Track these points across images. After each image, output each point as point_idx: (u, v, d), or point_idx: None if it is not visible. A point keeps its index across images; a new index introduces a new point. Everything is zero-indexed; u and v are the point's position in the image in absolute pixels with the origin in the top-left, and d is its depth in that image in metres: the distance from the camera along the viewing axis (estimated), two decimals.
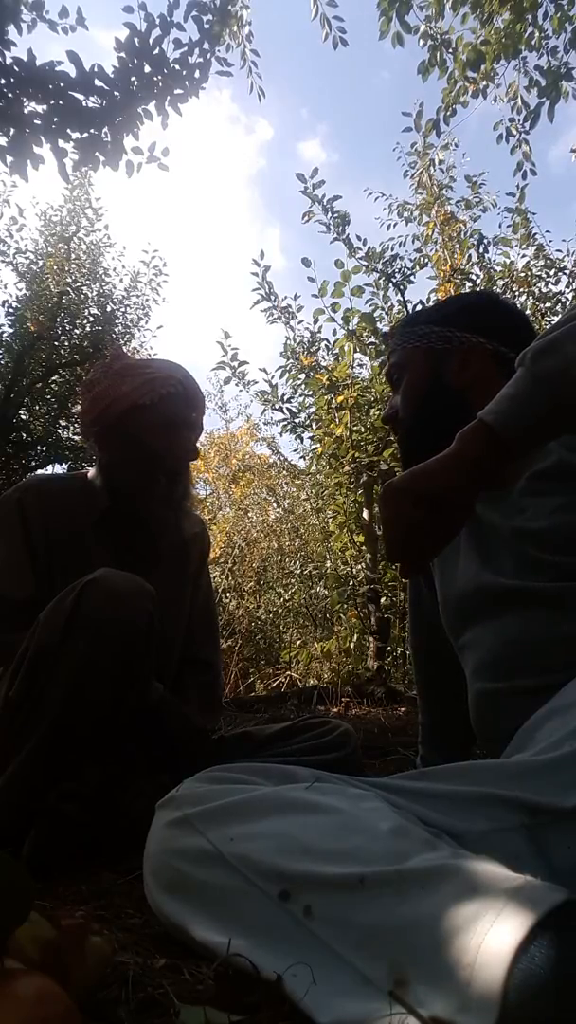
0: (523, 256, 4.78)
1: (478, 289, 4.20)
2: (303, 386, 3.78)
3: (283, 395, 3.90)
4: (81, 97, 2.90)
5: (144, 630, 0.99)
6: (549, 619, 0.84)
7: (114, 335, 8.34)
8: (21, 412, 8.06)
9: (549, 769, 0.62)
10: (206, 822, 0.64)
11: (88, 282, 8.47)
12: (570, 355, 0.69)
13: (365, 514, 3.49)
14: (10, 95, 2.81)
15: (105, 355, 7.84)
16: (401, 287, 3.81)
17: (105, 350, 7.99)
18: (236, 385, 3.99)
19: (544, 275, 4.73)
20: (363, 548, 3.62)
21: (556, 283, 4.75)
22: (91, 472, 1.33)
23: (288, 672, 4.19)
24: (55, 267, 8.17)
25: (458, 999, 0.43)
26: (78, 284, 8.36)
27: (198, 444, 1.35)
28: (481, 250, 4.45)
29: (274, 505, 6.44)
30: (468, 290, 3.96)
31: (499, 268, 4.62)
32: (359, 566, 3.63)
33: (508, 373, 0.75)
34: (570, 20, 3.44)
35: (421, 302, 3.80)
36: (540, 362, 0.70)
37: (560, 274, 4.77)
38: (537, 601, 0.86)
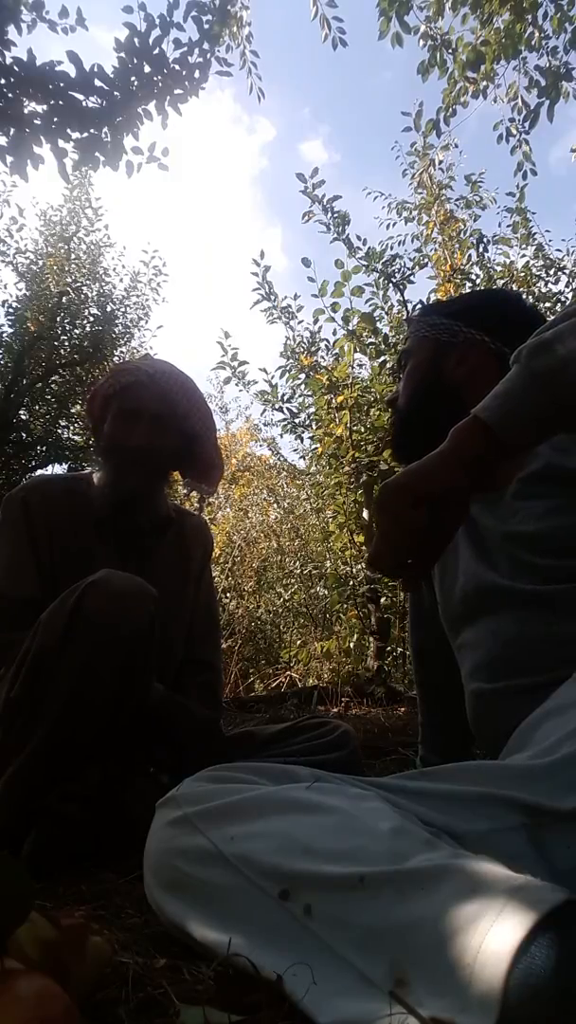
0: (523, 256, 4.79)
1: (489, 287, 4.20)
2: (303, 386, 3.78)
3: (283, 395, 3.90)
4: (81, 97, 2.89)
5: (145, 632, 0.99)
6: (542, 620, 0.85)
7: (114, 335, 8.34)
8: (21, 412, 8.06)
9: (549, 772, 0.62)
10: (206, 821, 0.64)
11: (88, 282, 8.47)
12: (565, 352, 0.69)
13: (365, 514, 3.49)
14: (10, 95, 2.81)
15: (106, 355, 7.86)
16: (401, 287, 3.81)
17: (105, 350, 8.00)
18: (236, 385, 3.99)
19: (544, 275, 4.74)
20: (363, 548, 3.62)
21: (556, 283, 4.76)
22: (96, 473, 1.33)
23: (288, 672, 4.19)
24: (55, 267, 8.17)
25: (458, 999, 0.43)
26: (78, 284, 8.36)
27: (173, 440, 1.28)
28: (481, 250, 4.46)
29: (274, 505, 6.44)
30: (468, 290, 3.96)
31: (499, 268, 4.63)
32: (359, 566, 3.63)
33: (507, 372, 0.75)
34: (570, 20, 3.43)
35: (421, 302, 3.80)
36: (535, 359, 0.70)
37: (560, 273, 4.78)
38: (531, 603, 0.86)
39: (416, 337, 1.09)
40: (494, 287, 4.29)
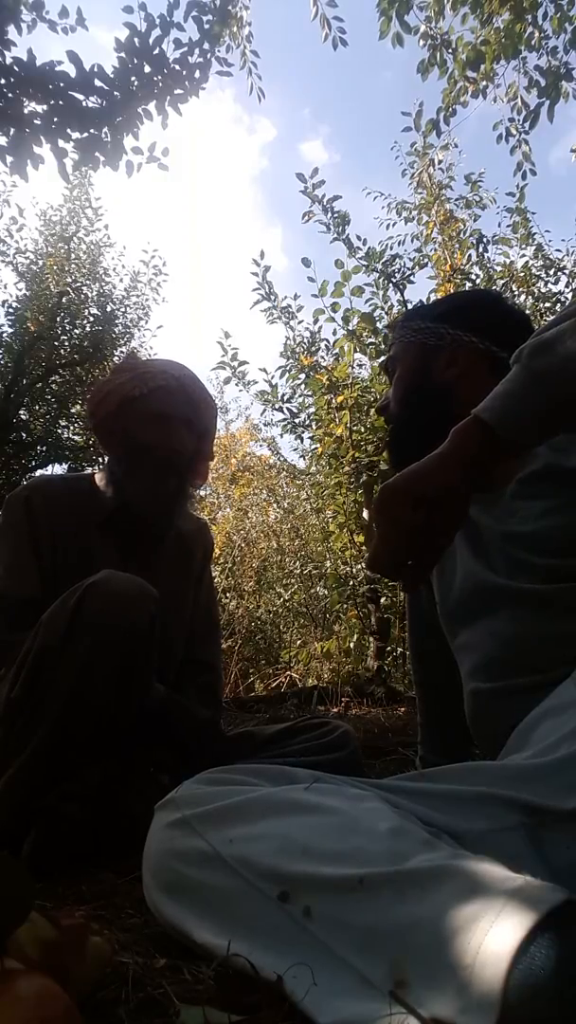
0: (522, 256, 4.79)
1: (487, 287, 4.21)
2: (303, 386, 3.78)
3: (283, 395, 3.90)
4: (81, 97, 2.89)
5: (145, 633, 0.99)
6: (541, 620, 0.85)
7: (114, 335, 8.35)
8: (21, 412, 8.06)
9: (548, 772, 0.62)
10: (205, 823, 0.64)
11: (88, 282, 8.48)
12: (565, 352, 0.69)
13: (365, 514, 3.49)
14: (10, 95, 2.81)
15: (106, 355, 7.87)
16: (401, 287, 3.81)
17: (105, 350, 8.01)
18: (236, 385, 3.99)
19: (543, 275, 4.74)
20: (363, 548, 3.62)
21: (555, 283, 4.77)
22: (98, 473, 1.33)
23: (288, 672, 4.19)
24: (55, 267, 8.18)
25: (458, 999, 0.43)
26: (78, 284, 8.37)
27: (200, 444, 1.33)
28: (481, 250, 4.46)
29: (274, 505, 6.44)
30: (468, 290, 3.95)
31: (499, 268, 4.63)
32: (359, 566, 3.63)
33: (499, 373, 0.75)
34: (570, 20, 3.43)
35: (421, 302, 3.80)
36: (536, 359, 0.70)
37: (559, 274, 4.78)
38: (529, 602, 0.86)
39: (402, 342, 1.09)
40: (491, 287, 4.29)
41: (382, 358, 3.51)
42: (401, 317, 1.16)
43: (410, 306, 3.73)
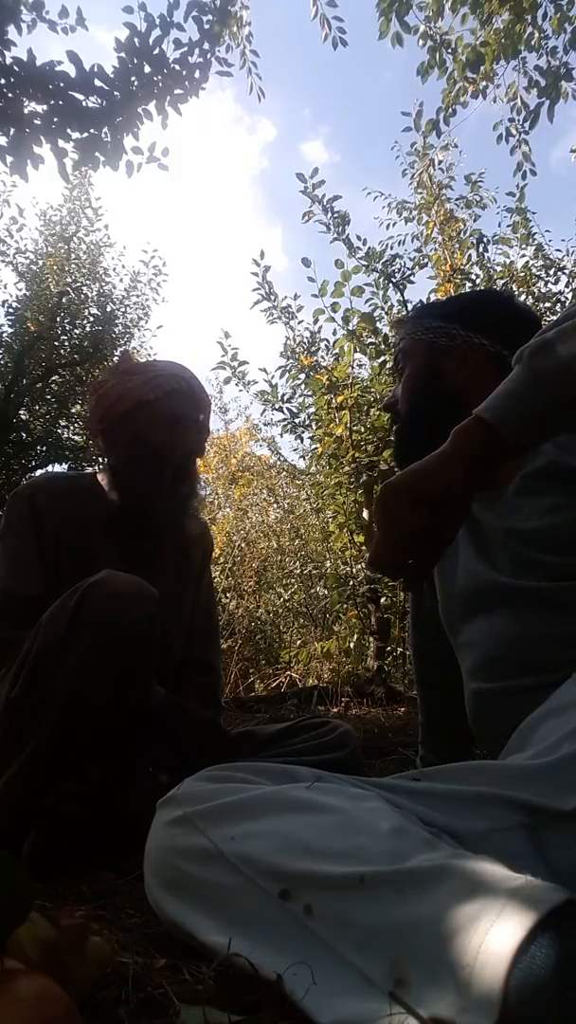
0: (523, 256, 4.79)
1: (488, 287, 4.20)
2: (303, 386, 3.78)
3: (283, 395, 3.89)
4: (81, 97, 2.89)
5: (145, 633, 0.99)
6: (543, 619, 0.84)
7: (114, 335, 8.34)
8: (21, 412, 8.06)
9: (549, 772, 0.62)
10: (207, 821, 0.64)
11: (88, 282, 8.47)
12: (567, 352, 0.69)
13: (365, 514, 3.49)
14: (10, 95, 2.81)
15: (106, 355, 7.87)
16: (401, 287, 3.81)
17: (105, 350, 8.00)
18: (236, 385, 3.99)
19: (544, 275, 4.74)
20: (363, 548, 3.62)
21: (556, 283, 4.76)
22: (100, 473, 1.33)
23: (288, 672, 4.19)
24: (55, 267, 8.17)
25: (458, 999, 0.43)
26: (78, 284, 8.36)
27: (204, 444, 1.35)
28: (481, 250, 4.46)
29: (274, 505, 6.44)
30: (468, 290, 3.95)
31: (499, 268, 4.62)
32: (359, 566, 3.63)
33: (507, 375, 0.75)
34: (570, 20, 3.43)
35: (421, 302, 3.79)
36: (538, 359, 0.70)
37: (559, 273, 4.78)
38: (531, 600, 0.86)
39: (412, 339, 1.08)
40: (492, 287, 4.28)
41: (382, 358, 3.52)
42: (412, 312, 1.15)
43: (410, 306, 3.73)
